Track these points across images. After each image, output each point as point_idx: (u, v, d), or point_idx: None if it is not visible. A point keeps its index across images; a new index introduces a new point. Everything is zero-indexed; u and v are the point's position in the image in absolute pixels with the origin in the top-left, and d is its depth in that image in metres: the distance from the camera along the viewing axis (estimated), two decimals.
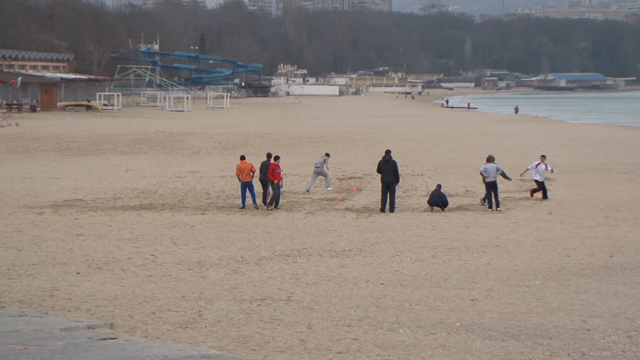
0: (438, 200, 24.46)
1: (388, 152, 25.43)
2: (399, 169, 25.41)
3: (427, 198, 25.11)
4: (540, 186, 26.54)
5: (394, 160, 24.85)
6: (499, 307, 13.19)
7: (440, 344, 11.10)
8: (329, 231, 20.74)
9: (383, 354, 10.65)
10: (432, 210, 24.26)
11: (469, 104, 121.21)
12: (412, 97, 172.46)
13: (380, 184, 24.81)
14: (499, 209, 24.25)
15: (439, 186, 25.29)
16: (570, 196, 27.25)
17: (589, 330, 11.86)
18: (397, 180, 24.70)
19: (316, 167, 29.07)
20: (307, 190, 28.52)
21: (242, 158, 25.83)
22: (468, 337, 11.45)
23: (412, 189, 29.27)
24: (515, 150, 44.06)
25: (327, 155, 30.04)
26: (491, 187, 24.48)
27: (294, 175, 33.02)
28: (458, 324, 12.11)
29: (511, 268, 16.31)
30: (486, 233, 20.42)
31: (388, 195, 24.31)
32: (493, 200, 24.46)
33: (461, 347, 11.01)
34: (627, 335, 11.58)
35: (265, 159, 25.75)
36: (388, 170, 24.48)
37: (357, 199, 26.96)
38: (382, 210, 24.09)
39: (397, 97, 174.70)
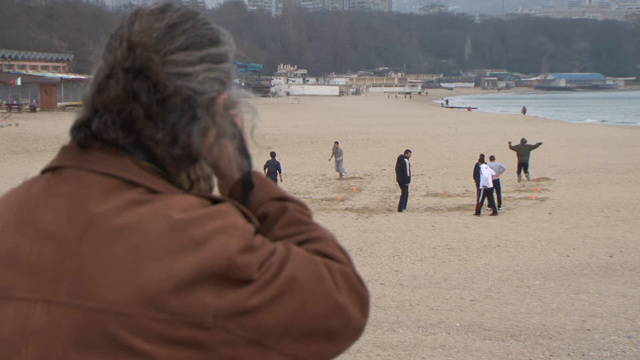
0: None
1: (406, 151, 26.02)
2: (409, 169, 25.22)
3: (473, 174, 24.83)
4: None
5: (403, 161, 24.90)
6: (499, 307, 13.18)
7: (440, 344, 11.10)
8: None
9: (383, 354, 10.64)
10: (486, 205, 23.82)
11: (469, 108, 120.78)
12: (406, 96, 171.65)
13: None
14: (499, 208, 24.23)
15: (482, 156, 25.11)
16: (570, 196, 27.23)
17: (589, 330, 11.84)
18: (405, 181, 24.60)
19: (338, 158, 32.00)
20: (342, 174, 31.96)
21: None
22: (468, 337, 11.44)
23: (412, 189, 29.17)
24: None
25: (336, 142, 33.21)
26: (494, 185, 24.45)
27: (294, 175, 33.01)
28: (458, 324, 12.10)
29: (511, 268, 16.31)
30: (486, 233, 20.41)
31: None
32: (495, 199, 24.42)
33: (461, 347, 11.00)
34: (627, 336, 11.57)
35: (270, 158, 26.51)
36: (397, 170, 24.87)
37: (357, 199, 26.95)
38: (399, 209, 24.23)
39: (388, 97, 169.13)
